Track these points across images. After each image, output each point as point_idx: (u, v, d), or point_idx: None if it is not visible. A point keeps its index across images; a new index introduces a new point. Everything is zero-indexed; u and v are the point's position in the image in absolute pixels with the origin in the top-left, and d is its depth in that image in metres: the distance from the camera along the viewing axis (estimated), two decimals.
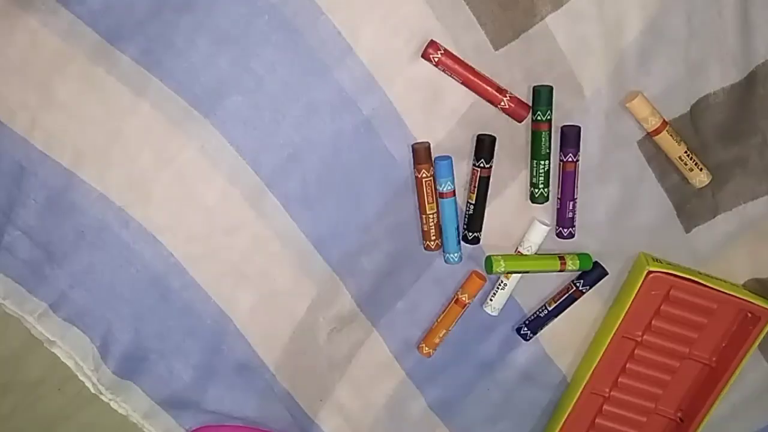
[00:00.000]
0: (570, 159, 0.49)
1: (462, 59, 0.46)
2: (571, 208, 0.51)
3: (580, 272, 0.53)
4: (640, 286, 0.52)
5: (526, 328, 0.55)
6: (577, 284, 0.54)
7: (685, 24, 0.47)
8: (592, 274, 0.53)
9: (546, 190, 0.50)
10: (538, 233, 0.51)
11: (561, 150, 0.49)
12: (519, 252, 0.52)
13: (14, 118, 0.45)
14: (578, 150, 0.49)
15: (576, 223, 0.51)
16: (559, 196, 0.50)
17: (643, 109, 0.48)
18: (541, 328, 0.55)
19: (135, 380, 0.51)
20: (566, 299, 0.54)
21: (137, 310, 0.49)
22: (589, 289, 0.54)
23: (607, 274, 0.54)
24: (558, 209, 0.51)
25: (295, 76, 0.45)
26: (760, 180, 0.52)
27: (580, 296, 0.54)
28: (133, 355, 0.50)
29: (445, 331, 0.53)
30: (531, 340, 0.55)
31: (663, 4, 0.47)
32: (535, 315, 0.55)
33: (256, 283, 0.50)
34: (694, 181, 0.51)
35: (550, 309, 0.54)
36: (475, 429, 0.59)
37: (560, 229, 0.51)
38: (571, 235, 0.51)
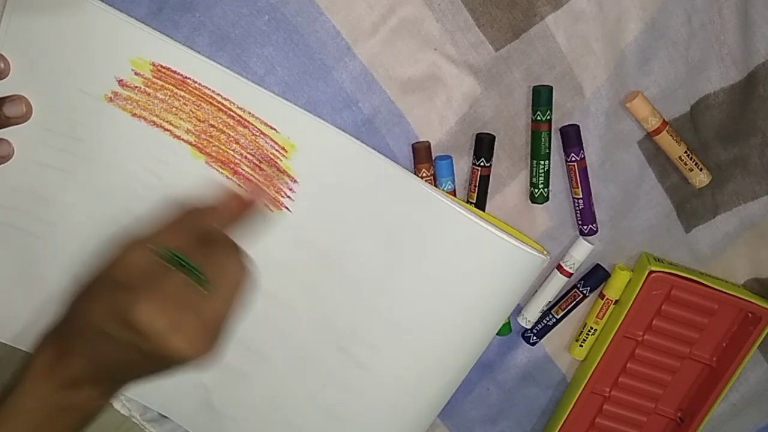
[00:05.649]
0: (582, 157, 0.49)
1: None
2: (591, 203, 0.51)
3: (583, 275, 0.54)
4: (642, 285, 0.52)
5: (529, 332, 0.55)
6: (578, 285, 0.54)
7: (685, 24, 0.47)
8: (593, 276, 0.53)
9: (546, 190, 0.50)
10: (583, 251, 0.52)
11: (567, 151, 0.49)
12: (561, 266, 0.52)
13: None
14: (582, 146, 0.49)
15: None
16: (580, 196, 0.50)
17: (643, 109, 0.48)
18: (546, 333, 0.55)
19: None
20: (572, 306, 0.54)
21: None
22: (591, 291, 0.54)
23: (609, 275, 0.54)
24: (582, 209, 0.50)
25: (295, 76, 0.45)
26: (759, 180, 0.52)
27: (582, 298, 0.54)
28: None
29: None
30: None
31: (663, 4, 0.47)
32: (543, 323, 0.54)
33: None
34: (694, 181, 0.51)
35: (558, 317, 0.54)
36: (475, 429, 0.59)
37: (586, 226, 0.51)
38: (593, 232, 0.51)
